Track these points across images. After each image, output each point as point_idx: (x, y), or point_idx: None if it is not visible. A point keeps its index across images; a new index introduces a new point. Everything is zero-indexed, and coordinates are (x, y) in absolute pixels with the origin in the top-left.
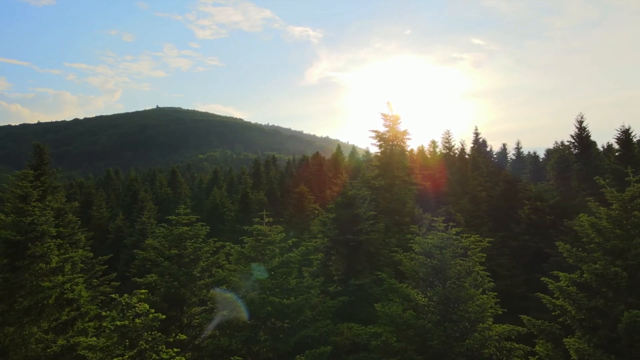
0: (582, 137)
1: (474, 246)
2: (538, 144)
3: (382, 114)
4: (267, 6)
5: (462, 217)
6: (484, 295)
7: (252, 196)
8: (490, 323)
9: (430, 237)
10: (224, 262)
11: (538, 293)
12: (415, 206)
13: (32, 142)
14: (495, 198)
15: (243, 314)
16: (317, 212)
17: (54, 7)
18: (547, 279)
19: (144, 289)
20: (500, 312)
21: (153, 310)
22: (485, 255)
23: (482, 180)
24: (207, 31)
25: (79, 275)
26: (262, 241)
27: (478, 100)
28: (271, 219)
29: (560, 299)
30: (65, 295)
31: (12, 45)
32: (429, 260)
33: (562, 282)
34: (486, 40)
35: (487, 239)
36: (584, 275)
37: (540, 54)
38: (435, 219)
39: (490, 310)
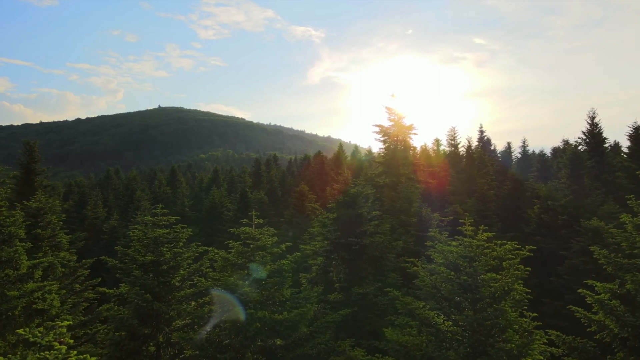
0: (594, 133)
1: (511, 255)
2: (541, 143)
3: (386, 107)
4: (269, 6)
5: (471, 217)
6: (523, 319)
7: (251, 195)
8: (536, 357)
9: (454, 244)
10: (207, 270)
11: (571, 306)
12: (423, 205)
13: (21, 140)
14: (502, 197)
15: (240, 314)
16: (317, 212)
17: (56, 8)
18: (584, 290)
19: (115, 302)
20: (546, 340)
21: (74, 353)
22: (529, 269)
23: (489, 179)
24: (210, 31)
25: (51, 282)
26: (250, 246)
27: (481, 100)
28: (262, 220)
29: (600, 314)
30: (34, 306)
31: (15, 46)
32: (454, 274)
33: (603, 295)
34: (488, 40)
35: (527, 247)
36: (626, 285)
37: (543, 53)
38: (443, 218)
39: (537, 341)
